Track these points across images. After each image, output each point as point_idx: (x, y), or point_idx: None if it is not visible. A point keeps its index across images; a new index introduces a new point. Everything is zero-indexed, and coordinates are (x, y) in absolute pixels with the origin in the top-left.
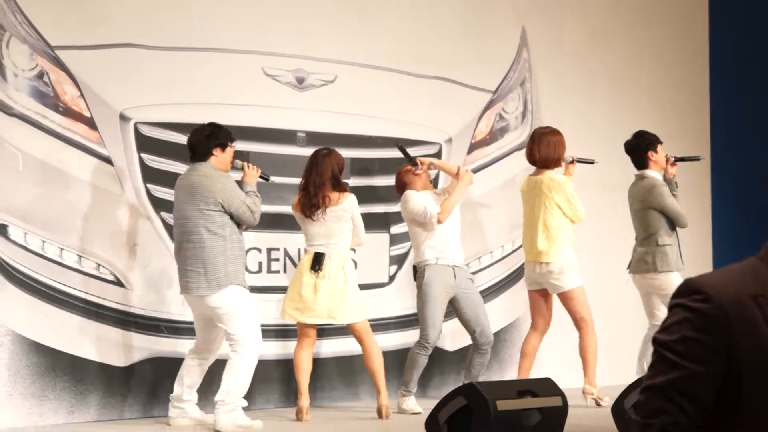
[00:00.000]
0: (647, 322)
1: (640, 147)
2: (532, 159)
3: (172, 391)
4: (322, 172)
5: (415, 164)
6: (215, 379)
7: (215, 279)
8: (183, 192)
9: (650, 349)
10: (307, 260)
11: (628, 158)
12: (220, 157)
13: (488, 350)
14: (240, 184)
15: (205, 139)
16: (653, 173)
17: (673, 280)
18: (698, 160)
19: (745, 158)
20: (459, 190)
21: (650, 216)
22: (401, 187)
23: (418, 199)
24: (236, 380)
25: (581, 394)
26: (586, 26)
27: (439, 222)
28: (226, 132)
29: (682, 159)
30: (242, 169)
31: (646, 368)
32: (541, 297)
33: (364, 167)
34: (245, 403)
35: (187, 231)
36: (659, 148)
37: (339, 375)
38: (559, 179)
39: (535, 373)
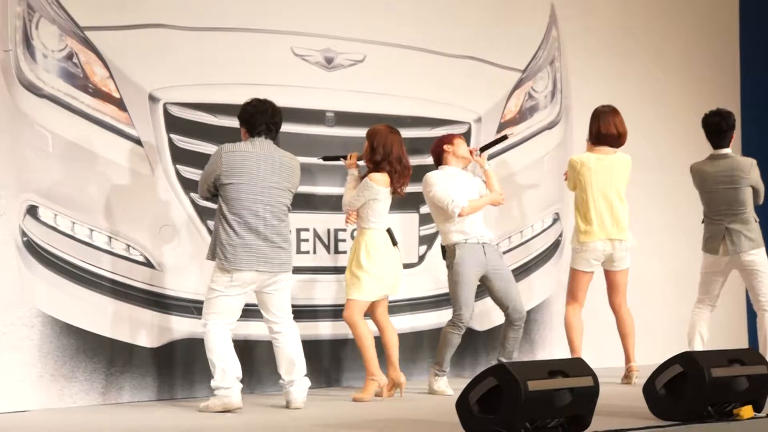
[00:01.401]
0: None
1: (729, 125)
2: (611, 135)
3: (202, 372)
4: (403, 148)
5: (483, 149)
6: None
7: (292, 255)
8: (270, 166)
9: (700, 331)
10: (380, 237)
11: (657, 136)
12: None
13: (521, 325)
14: None
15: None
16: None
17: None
18: None
19: None
20: (487, 199)
21: (746, 193)
22: (437, 154)
23: (441, 187)
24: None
25: (625, 373)
26: (615, 3)
27: (459, 215)
28: None
29: None
30: None
31: (696, 347)
32: (591, 275)
33: None
34: None
35: (272, 206)
36: None
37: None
38: (630, 159)
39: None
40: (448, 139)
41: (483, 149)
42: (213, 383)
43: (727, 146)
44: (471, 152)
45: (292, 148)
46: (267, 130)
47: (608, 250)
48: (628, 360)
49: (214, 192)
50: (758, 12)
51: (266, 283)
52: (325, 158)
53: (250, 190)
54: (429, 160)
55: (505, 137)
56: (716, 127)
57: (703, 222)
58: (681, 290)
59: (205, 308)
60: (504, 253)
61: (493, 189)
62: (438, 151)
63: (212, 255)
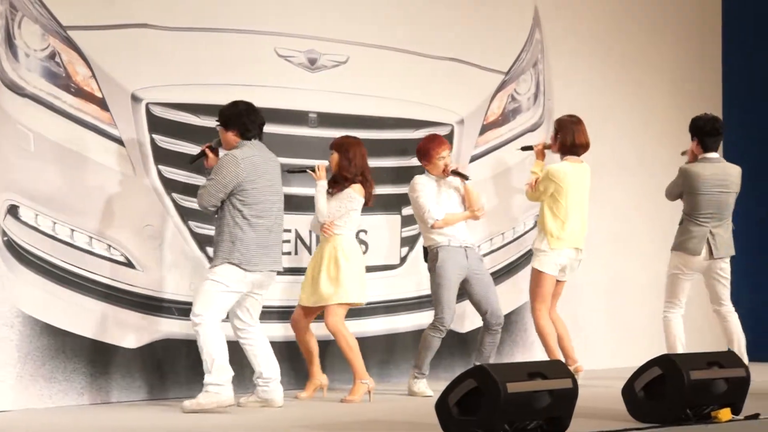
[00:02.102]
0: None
1: (722, 128)
2: (582, 145)
3: (182, 373)
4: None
5: (453, 172)
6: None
7: None
8: (272, 167)
9: (680, 338)
10: (354, 241)
11: (639, 139)
12: None
13: (498, 330)
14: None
15: None
16: None
17: None
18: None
19: (759, 138)
20: (462, 216)
21: (732, 199)
22: (423, 154)
23: (425, 194)
24: None
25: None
26: (598, 6)
27: (432, 227)
28: None
29: None
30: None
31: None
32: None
33: (375, 148)
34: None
35: (280, 208)
36: None
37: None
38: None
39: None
40: (429, 152)
41: (453, 172)
42: (208, 378)
43: (717, 150)
44: (445, 170)
45: (275, 149)
46: (259, 132)
47: (571, 257)
48: (573, 361)
49: (224, 200)
50: (741, 15)
51: (262, 283)
52: (289, 171)
53: (268, 191)
54: (411, 162)
55: (467, 178)
56: (711, 130)
57: (681, 223)
58: (661, 293)
59: (203, 302)
60: (485, 255)
61: (469, 205)
62: (419, 156)
63: (225, 259)
